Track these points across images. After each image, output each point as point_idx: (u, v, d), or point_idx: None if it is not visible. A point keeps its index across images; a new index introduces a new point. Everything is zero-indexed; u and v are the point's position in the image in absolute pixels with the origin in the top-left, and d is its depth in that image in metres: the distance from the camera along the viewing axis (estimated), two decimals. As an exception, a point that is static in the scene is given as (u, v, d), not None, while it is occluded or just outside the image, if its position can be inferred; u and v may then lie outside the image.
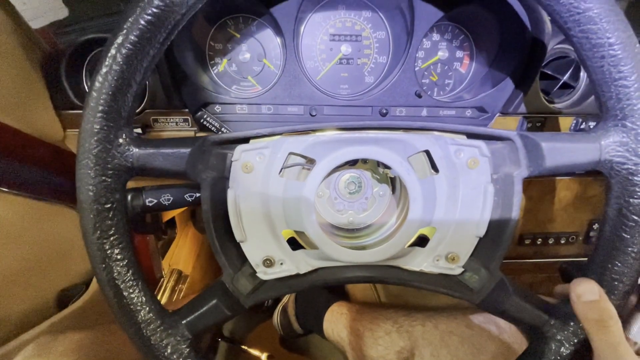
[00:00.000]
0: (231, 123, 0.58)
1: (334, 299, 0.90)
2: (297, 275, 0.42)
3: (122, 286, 0.33)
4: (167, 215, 0.95)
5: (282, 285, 0.42)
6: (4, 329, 0.55)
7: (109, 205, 0.32)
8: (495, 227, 0.40)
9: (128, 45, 0.30)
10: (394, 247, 0.41)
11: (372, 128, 0.39)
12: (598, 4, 0.30)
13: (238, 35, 0.58)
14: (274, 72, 0.60)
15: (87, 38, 0.52)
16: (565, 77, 0.59)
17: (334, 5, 0.57)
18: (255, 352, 0.97)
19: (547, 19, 0.51)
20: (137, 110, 0.54)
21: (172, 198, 0.46)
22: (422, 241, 0.42)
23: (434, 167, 0.40)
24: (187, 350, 0.35)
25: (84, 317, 0.65)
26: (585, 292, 0.33)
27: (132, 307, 0.33)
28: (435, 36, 0.60)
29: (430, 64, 0.62)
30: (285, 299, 1.05)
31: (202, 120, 0.57)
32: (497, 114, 0.60)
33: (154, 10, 0.29)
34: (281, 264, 0.41)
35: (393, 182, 0.46)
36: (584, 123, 0.61)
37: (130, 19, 0.29)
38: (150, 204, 0.46)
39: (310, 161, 0.40)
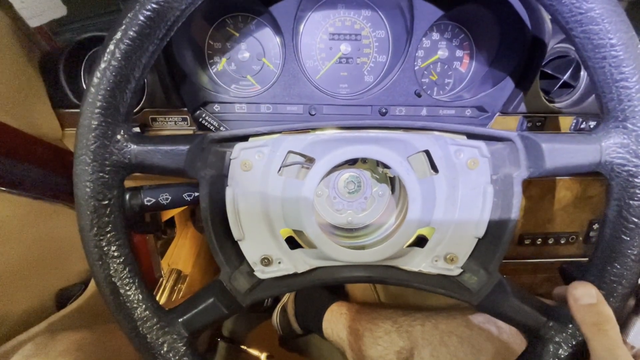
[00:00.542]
0: (230, 122, 0.58)
1: (333, 298, 0.89)
2: (295, 275, 0.41)
3: (118, 283, 0.33)
4: (167, 215, 0.95)
5: (280, 284, 0.41)
6: (2, 329, 0.55)
7: (106, 202, 0.32)
8: (495, 228, 0.40)
9: (127, 41, 0.30)
10: (393, 247, 0.40)
11: (372, 127, 0.39)
12: (600, 4, 0.30)
13: (237, 34, 0.58)
14: (273, 71, 0.60)
15: (86, 36, 0.52)
16: (566, 77, 0.59)
17: (333, 4, 0.57)
18: (254, 352, 0.97)
19: (547, 18, 0.50)
20: (136, 109, 0.54)
21: (170, 197, 0.46)
22: (421, 241, 0.42)
23: (434, 167, 0.40)
24: (184, 348, 0.35)
25: (82, 317, 0.65)
26: (583, 296, 0.33)
27: (128, 304, 0.33)
28: (435, 35, 0.60)
29: (430, 63, 0.61)
30: (284, 299, 1.05)
31: (200, 120, 0.57)
32: (497, 114, 0.60)
33: (153, 6, 0.29)
34: (279, 262, 0.41)
35: (392, 182, 0.46)
36: (584, 122, 0.61)
37: (129, 15, 0.29)
38: (149, 203, 0.46)
39: (310, 160, 0.40)
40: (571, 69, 0.58)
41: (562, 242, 0.74)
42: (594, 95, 0.58)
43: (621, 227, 0.33)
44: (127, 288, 0.33)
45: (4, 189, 0.51)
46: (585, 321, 0.32)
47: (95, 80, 0.30)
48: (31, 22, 0.50)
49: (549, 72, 0.60)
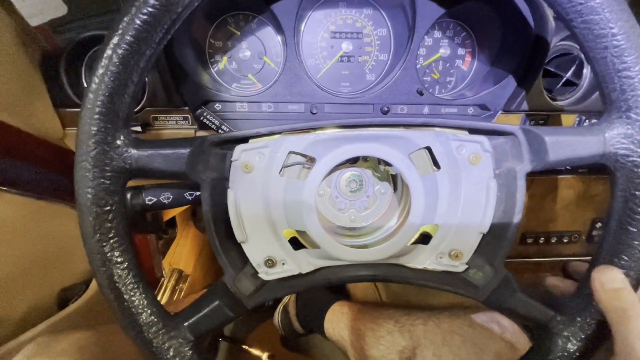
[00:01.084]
0: (231, 121, 0.58)
1: (335, 298, 0.89)
2: (300, 275, 0.41)
3: (122, 289, 0.32)
4: (168, 214, 0.95)
5: (284, 286, 0.41)
6: (4, 328, 0.55)
7: (108, 208, 0.31)
8: (499, 223, 0.39)
9: (124, 45, 0.29)
10: (397, 245, 0.40)
11: (372, 125, 0.39)
12: None
13: (238, 33, 0.58)
14: (275, 69, 0.60)
15: (86, 35, 0.52)
16: (569, 75, 0.58)
17: (334, 3, 0.57)
18: (256, 351, 0.97)
19: (550, 15, 0.50)
20: (137, 109, 0.54)
21: (172, 196, 0.46)
22: (424, 239, 0.42)
23: (436, 163, 0.40)
24: (190, 352, 0.35)
25: (84, 317, 0.65)
26: (610, 280, 0.32)
27: (133, 310, 0.33)
28: (437, 33, 0.60)
29: (432, 62, 0.61)
30: (286, 299, 1.05)
31: (202, 119, 0.56)
32: (500, 112, 0.59)
33: (150, 9, 0.29)
34: (283, 264, 0.41)
35: (394, 180, 0.46)
36: (587, 120, 0.60)
37: (125, 19, 0.29)
38: (150, 203, 0.45)
39: (311, 160, 0.40)
40: (574, 66, 0.58)
41: (565, 240, 0.74)
42: (597, 93, 0.58)
43: (627, 218, 0.32)
44: (132, 294, 0.33)
45: (5, 188, 0.51)
46: (612, 306, 0.31)
47: (94, 85, 0.30)
48: (32, 21, 0.50)
49: (552, 69, 0.59)
